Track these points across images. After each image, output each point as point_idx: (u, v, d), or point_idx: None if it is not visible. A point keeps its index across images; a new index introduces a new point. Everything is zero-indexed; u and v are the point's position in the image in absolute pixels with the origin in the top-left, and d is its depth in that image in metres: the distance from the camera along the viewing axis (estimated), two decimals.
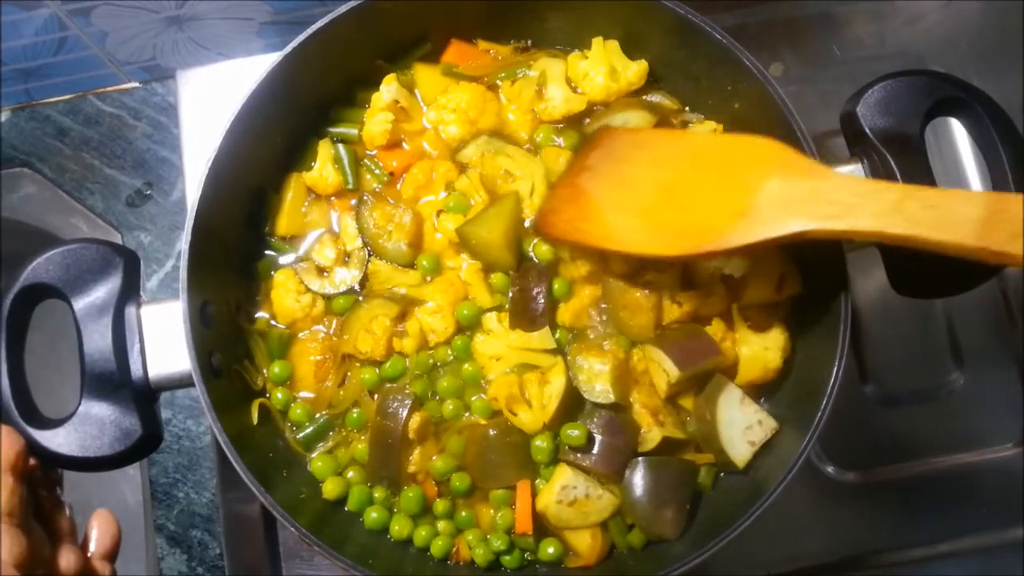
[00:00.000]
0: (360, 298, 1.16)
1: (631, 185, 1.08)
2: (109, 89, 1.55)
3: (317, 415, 1.15)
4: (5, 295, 1.01)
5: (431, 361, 1.14)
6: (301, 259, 1.18)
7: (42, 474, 0.97)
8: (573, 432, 1.09)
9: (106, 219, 1.51)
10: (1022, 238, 0.83)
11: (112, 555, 0.98)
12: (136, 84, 1.55)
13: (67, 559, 0.92)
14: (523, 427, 1.11)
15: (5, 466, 0.86)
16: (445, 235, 1.16)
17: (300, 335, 1.16)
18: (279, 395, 1.14)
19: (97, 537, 0.97)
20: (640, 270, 1.15)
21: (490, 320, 1.14)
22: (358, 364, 1.15)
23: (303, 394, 1.15)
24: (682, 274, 1.16)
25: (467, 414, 1.14)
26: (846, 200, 0.93)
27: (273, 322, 1.17)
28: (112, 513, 0.99)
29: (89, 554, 0.97)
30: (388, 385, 1.14)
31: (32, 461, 0.94)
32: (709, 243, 0.99)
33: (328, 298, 1.16)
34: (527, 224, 1.16)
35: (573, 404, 1.12)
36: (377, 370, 1.14)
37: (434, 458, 1.13)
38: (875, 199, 0.91)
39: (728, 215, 0.98)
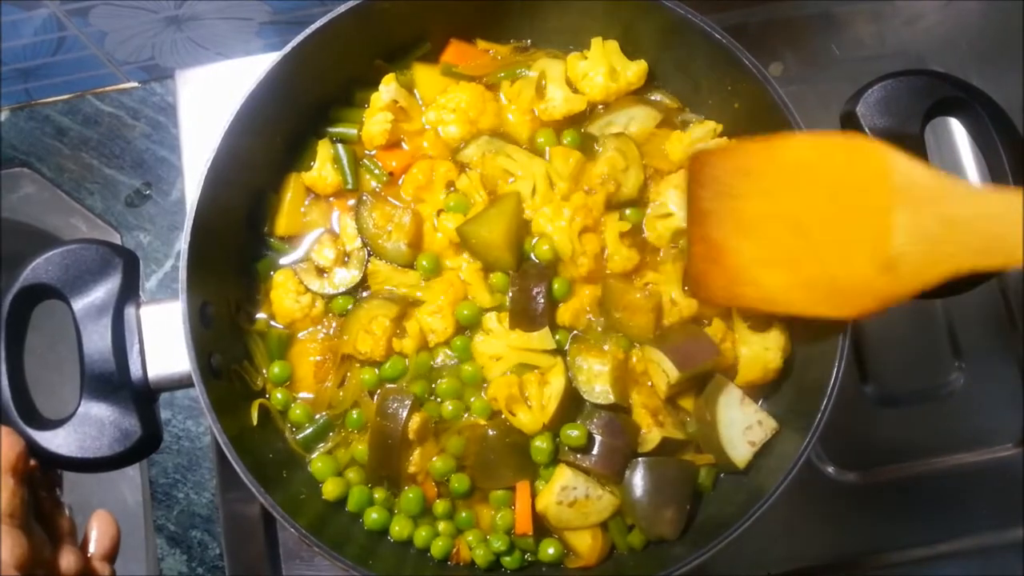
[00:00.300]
0: (360, 298, 1.16)
1: (758, 230, 1.01)
2: (108, 89, 1.55)
3: (317, 416, 1.15)
4: (5, 295, 1.01)
5: (431, 362, 1.14)
6: (300, 259, 1.18)
7: (42, 475, 0.97)
8: (573, 433, 1.09)
9: (105, 219, 1.51)
10: None
11: (112, 556, 0.98)
12: (135, 84, 1.55)
13: (67, 560, 0.92)
14: (522, 428, 1.11)
15: (6, 468, 0.86)
16: (445, 235, 1.16)
17: (300, 335, 1.17)
18: (279, 395, 1.14)
19: (97, 538, 0.97)
20: (640, 270, 1.15)
21: (490, 320, 1.14)
22: (358, 364, 1.15)
23: (303, 395, 1.16)
24: (682, 276, 1.17)
25: (467, 415, 1.14)
26: (990, 229, 0.83)
27: (273, 322, 1.16)
28: (111, 514, 0.99)
29: (89, 555, 0.97)
30: (388, 386, 1.14)
31: (32, 462, 0.94)
32: (864, 306, 0.93)
33: (328, 298, 1.16)
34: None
35: (572, 405, 1.12)
36: (377, 371, 1.13)
37: (434, 459, 1.12)
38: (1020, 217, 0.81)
39: (873, 267, 0.89)
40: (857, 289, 0.92)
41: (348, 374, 1.15)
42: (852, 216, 0.91)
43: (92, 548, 0.97)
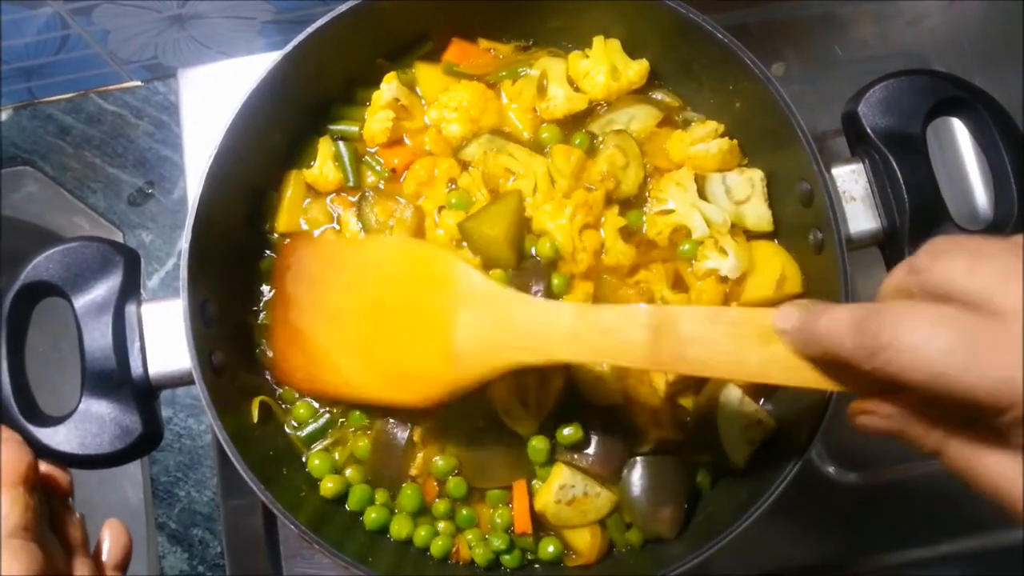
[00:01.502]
0: None
1: (339, 317, 1.06)
2: (111, 88, 1.55)
3: (321, 409, 1.15)
4: (6, 293, 1.01)
5: None
6: None
7: (55, 485, 0.97)
8: (569, 432, 1.09)
9: (108, 218, 1.51)
10: (685, 357, 0.83)
11: (124, 565, 0.98)
12: (138, 83, 1.55)
13: (81, 570, 0.91)
14: (518, 429, 1.11)
15: (17, 479, 0.85)
16: (446, 231, 1.16)
17: None
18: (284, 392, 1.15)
19: (109, 547, 0.97)
20: (633, 269, 1.15)
21: None
22: None
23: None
24: (674, 275, 1.17)
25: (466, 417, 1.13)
26: (531, 329, 0.92)
27: None
28: (123, 523, 0.99)
29: (101, 564, 0.97)
30: None
31: (44, 467, 0.94)
32: (433, 393, 0.99)
33: None
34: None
35: (570, 404, 1.12)
36: None
37: (437, 460, 1.12)
38: (555, 327, 0.90)
39: (438, 360, 0.97)
40: (427, 378, 0.99)
41: None
42: (423, 313, 1.00)
43: (104, 557, 0.97)
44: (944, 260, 0.68)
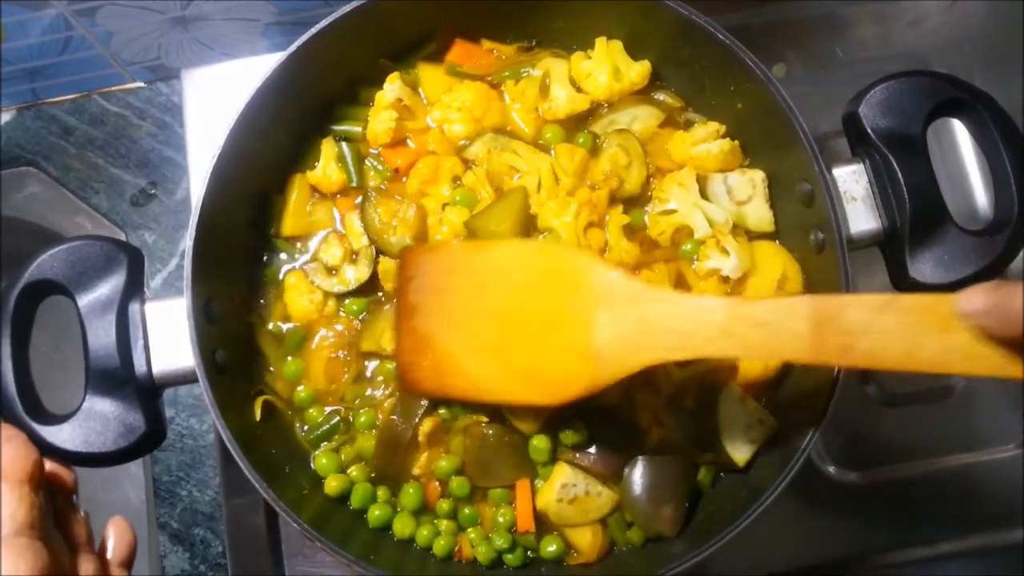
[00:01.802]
0: (378, 298, 1.17)
1: (467, 322, 1.05)
2: (114, 89, 1.56)
3: (328, 409, 1.16)
4: (10, 291, 1.02)
5: None
6: (309, 260, 1.19)
7: (60, 482, 0.97)
8: (572, 431, 1.10)
9: (110, 218, 1.52)
10: (854, 349, 0.81)
11: (129, 563, 0.98)
12: (141, 84, 1.56)
13: (86, 568, 0.91)
14: (521, 428, 1.11)
15: (23, 477, 0.85)
16: (451, 229, 1.16)
17: (315, 334, 1.17)
18: (302, 393, 1.16)
19: (114, 545, 0.97)
20: (635, 269, 1.16)
21: None
22: (378, 360, 1.16)
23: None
24: (676, 275, 1.17)
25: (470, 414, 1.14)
26: (677, 327, 0.90)
27: (287, 325, 1.18)
28: (128, 521, 0.99)
29: (106, 562, 0.97)
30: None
31: (48, 465, 0.94)
32: (571, 392, 0.98)
33: (339, 296, 1.17)
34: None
35: (572, 404, 1.11)
36: (393, 364, 1.14)
37: (440, 460, 1.13)
38: (704, 323, 0.88)
39: (577, 360, 0.96)
40: (565, 378, 0.98)
41: (368, 371, 1.16)
42: (557, 314, 0.98)
43: (109, 555, 0.97)
44: None
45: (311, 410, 1.15)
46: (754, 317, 0.86)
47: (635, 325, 0.92)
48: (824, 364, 0.88)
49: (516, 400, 1.04)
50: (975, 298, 0.75)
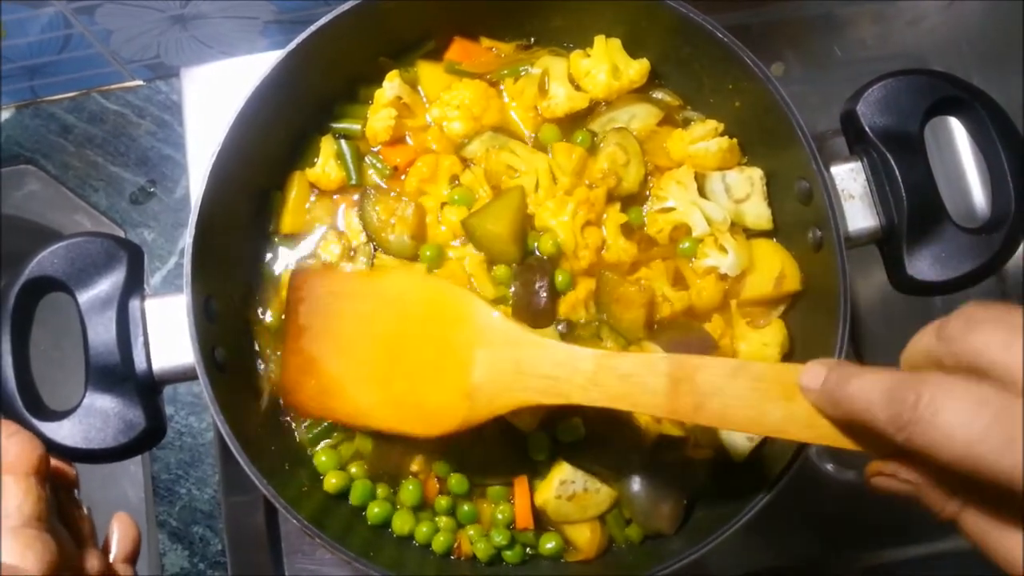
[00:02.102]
0: None
1: (352, 348, 1.06)
2: (113, 87, 1.56)
3: None
4: (10, 288, 1.02)
5: None
6: (307, 256, 1.19)
7: (63, 478, 0.97)
8: (570, 429, 1.10)
9: (110, 216, 1.52)
10: (704, 408, 0.83)
11: (133, 559, 0.98)
12: (140, 82, 1.56)
13: (91, 562, 0.91)
14: (519, 425, 1.11)
15: (29, 470, 0.85)
16: (449, 227, 1.17)
17: None
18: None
19: (118, 540, 0.97)
20: (634, 267, 1.16)
21: (495, 313, 1.14)
22: None
23: None
24: (674, 273, 1.17)
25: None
26: (548, 372, 0.92)
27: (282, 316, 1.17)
28: (131, 516, 0.99)
29: (111, 557, 0.97)
30: None
31: (52, 462, 0.94)
32: (446, 426, 0.99)
33: None
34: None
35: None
36: None
37: (438, 458, 1.13)
38: (574, 371, 0.91)
39: (455, 395, 0.98)
40: (441, 411, 0.99)
41: None
42: (440, 348, 1.00)
43: (114, 550, 0.97)
44: (979, 331, 0.67)
45: None
46: (618, 369, 0.89)
47: (510, 367, 0.95)
48: (677, 419, 0.97)
49: (394, 429, 1.05)
50: (814, 375, 0.78)
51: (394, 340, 1.03)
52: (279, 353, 1.15)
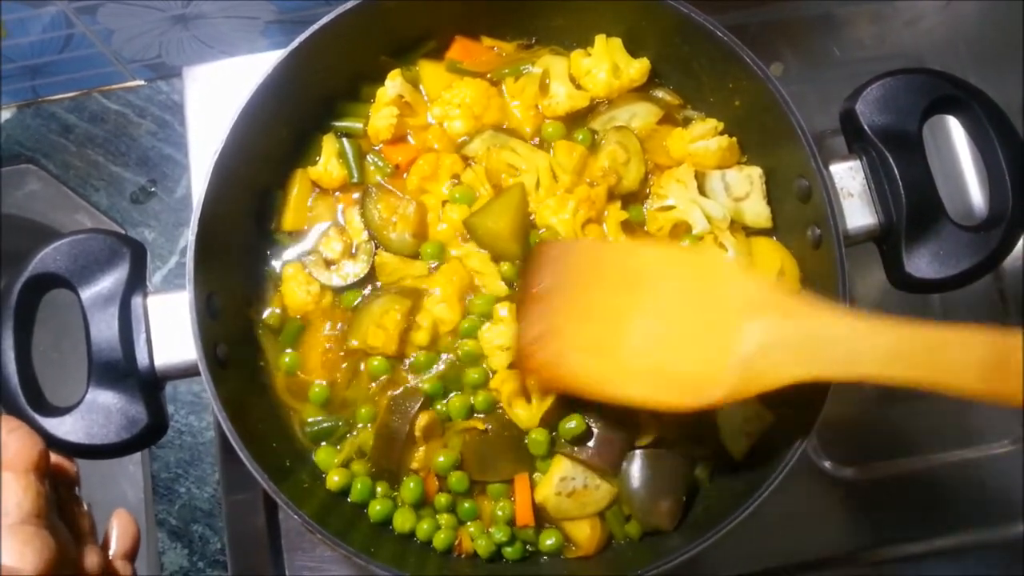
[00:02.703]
0: (370, 293, 1.17)
1: (603, 320, 1.02)
2: (114, 87, 1.56)
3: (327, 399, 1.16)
4: (13, 284, 1.02)
5: (439, 356, 1.16)
6: (308, 253, 1.19)
7: (63, 474, 0.97)
8: (570, 425, 1.10)
9: (110, 216, 1.52)
10: None
11: (132, 555, 0.98)
12: (141, 82, 1.56)
13: (91, 559, 0.90)
14: (519, 422, 1.12)
15: (29, 466, 0.85)
16: (450, 225, 1.17)
17: (311, 327, 1.17)
18: (317, 389, 1.16)
19: (118, 536, 0.97)
20: None
21: (501, 309, 1.14)
22: (367, 357, 1.16)
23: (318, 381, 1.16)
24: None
25: (471, 414, 1.15)
26: (843, 345, 0.88)
27: (284, 312, 1.18)
28: (131, 514, 0.99)
29: (110, 554, 0.97)
30: (403, 385, 1.15)
31: (52, 457, 0.94)
32: (709, 397, 0.95)
33: (337, 290, 1.17)
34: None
35: (571, 399, 1.12)
36: (378, 361, 1.14)
37: (439, 457, 1.13)
38: (871, 343, 0.87)
39: (718, 367, 0.94)
40: (704, 384, 0.95)
41: (361, 365, 1.16)
42: (703, 321, 0.96)
43: (113, 547, 0.97)
44: None
45: (306, 407, 1.16)
46: (927, 342, 0.84)
47: (791, 340, 0.91)
48: (995, 400, 0.84)
49: (646, 402, 1.00)
50: None
51: (651, 311, 1.00)
52: (287, 349, 1.16)
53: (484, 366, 1.14)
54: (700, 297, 0.97)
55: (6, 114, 1.55)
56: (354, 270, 1.17)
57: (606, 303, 1.02)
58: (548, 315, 1.05)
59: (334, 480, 1.12)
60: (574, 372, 1.03)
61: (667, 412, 1.00)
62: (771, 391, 0.93)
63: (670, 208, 1.18)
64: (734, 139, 1.20)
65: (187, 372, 1.04)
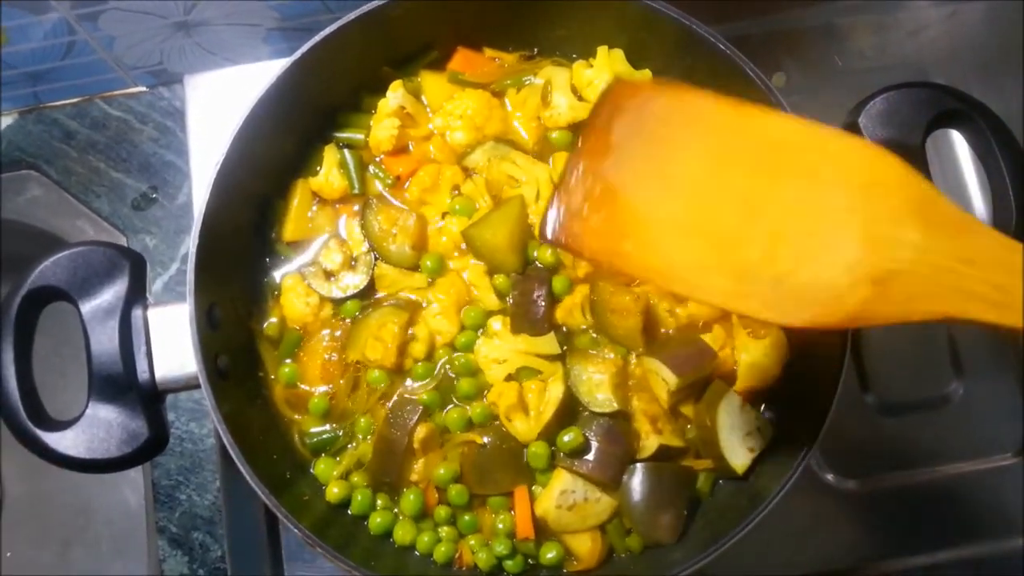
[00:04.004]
0: (369, 304, 1.17)
1: (685, 188, 0.84)
2: (116, 93, 1.56)
3: (328, 425, 1.16)
4: (13, 297, 1.02)
5: (435, 367, 1.16)
6: (308, 263, 1.19)
7: None
8: (567, 438, 1.10)
9: (111, 222, 1.52)
10: None
11: None
12: (143, 89, 1.56)
13: None
14: (517, 435, 1.12)
15: None
16: (450, 238, 1.17)
17: (310, 338, 1.18)
18: (317, 399, 1.16)
19: None
20: (632, 280, 1.16)
21: (495, 323, 1.15)
22: (366, 369, 1.16)
23: (320, 388, 1.17)
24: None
25: (469, 428, 1.15)
26: (1012, 281, 0.73)
27: (283, 323, 1.18)
28: None
29: None
30: (402, 396, 1.15)
31: None
32: (825, 315, 0.78)
33: (336, 302, 1.17)
34: (542, 235, 0.90)
35: (569, 412, 1.12)
36: (377, 372, 1.14)
37: (440, 469, 1.13)
38: None
39: (844, 278, 0.77)
40: (819, 296, 0.79)
41: (360, 376, 1.16)
42: (835, 217, 0.80)
43: None
44: None
45: (306, 420, 1.16)
46: None
47: (954, 261, 0.75)
48: None
49: (726, 303, 0.83)
50: None
51: (758, 193, 0.82)
52: (287, 360, 1.16)
53: (480, 379, 1.14)
54: (835, 187, 0.80)
55: (8, 120, 1.54)
56: (353, 281, 1.17)
57: (696, 169, 0.85)
58: (612, 171, 0.86)
59: (333, 492, 1.12)
60: (636, 250, 0.85)
61: (754, 323, 0.88)
62: (896, 322, 0.77)
63: None
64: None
65: (188, 385, 1.04)
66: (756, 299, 0.81)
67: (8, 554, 1.57)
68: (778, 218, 0.81)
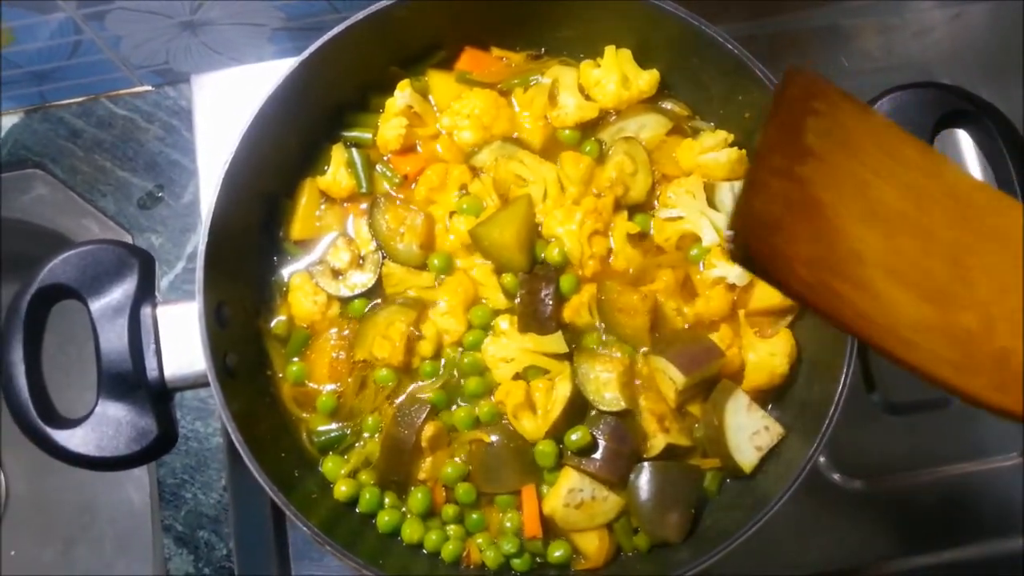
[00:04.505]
0: (376, 303, 1.17)
1: (893, 222, 0.72)
2: (122, 92, 1.56)
3: (336, 424, 1.16)
4: (23, 296, 1.02)
5: (441, 365, 1.16)
6: (316, 263, 1.19)
7: None
8: (575, 436, 1.10)
9: (117, 221, 1.52)
10: None
11: None
12: (149, 88, 1.56)
13: None
14: (525, 434, 1.12)
15: None
16: (457, 237, 1.17)
17: (318, 336, 1.18)
18: (324, 398, 1.16)
19: None
20: (639, 279, 1.16)
21: (502, 322, 1.15)
22: (373, 367, 1.16)
23: (328, 386, 1.17)
24: (683, 280, 1.18)
25: (476, 426, 1.15)
26: None
27: (291, 322, 1.18)
28: None
29: None
30: (409, 395, 1.16)
31: None
32: None
33: (344, 301, 1.17)
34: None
35: (577, 410, 1.13)
36: (385, 371, 1.15)
37: (447, 468, 1.13)
38: None
39: None
40: None
41: (368, 375, 1.16)
42: None
43: None
44: None
45: (314, 418, 1.16)
46: None
47: None
48: None
49: (952, 378, 0.70)
50: None
51: (963, 248, 0.72)
52: (294, 358, 1.17)
53: (487, 377, 1.15)
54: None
55: (14, 119, 1.54)
56: (361, 280, 1.18)
57: (912, 212, 0.73)
58: (813, 182, 0.72)
59: (342, 490, 1.12)
60: (862, 295, 0.70)
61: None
62: None
63: (678, 219, 1.18)
64: (744, 151, 1.20)
65: (196, 383, 1.04)
66: (984, 377, 0.70)
67: (12, 552, 1.57)
68: (986, 283, 0.72)
